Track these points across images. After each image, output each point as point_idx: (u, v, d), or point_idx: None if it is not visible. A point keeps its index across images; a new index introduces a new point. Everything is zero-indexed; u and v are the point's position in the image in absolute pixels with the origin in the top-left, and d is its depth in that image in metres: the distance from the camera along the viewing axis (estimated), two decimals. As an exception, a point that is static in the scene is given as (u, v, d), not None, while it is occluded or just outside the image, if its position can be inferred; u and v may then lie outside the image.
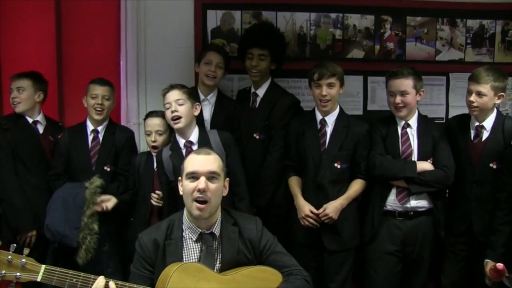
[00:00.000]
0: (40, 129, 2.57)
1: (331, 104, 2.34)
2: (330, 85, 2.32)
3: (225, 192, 1.72)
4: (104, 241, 2.38)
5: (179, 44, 2.79)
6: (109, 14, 2.79)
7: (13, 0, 2.71)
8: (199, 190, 1.61)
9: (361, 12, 2.95)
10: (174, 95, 2.20)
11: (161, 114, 2.40)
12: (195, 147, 2.21)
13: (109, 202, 2.36)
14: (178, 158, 2.13)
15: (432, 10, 2.98)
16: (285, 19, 2.91)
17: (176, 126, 2.21)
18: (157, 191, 2.33)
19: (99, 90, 2.46)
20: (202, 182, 1.61)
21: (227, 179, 1.74)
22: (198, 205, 1.61)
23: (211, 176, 1.64)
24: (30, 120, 2.54)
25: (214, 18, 2.87)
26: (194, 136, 2.24)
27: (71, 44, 2.81)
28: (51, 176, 2.48)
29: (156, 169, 2.39)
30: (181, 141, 2.24)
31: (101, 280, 1.49)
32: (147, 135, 2.42)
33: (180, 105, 2.19)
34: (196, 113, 2.26)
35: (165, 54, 2.82)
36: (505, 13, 3.01)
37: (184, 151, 2.20)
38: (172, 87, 2.24)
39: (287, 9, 2.90)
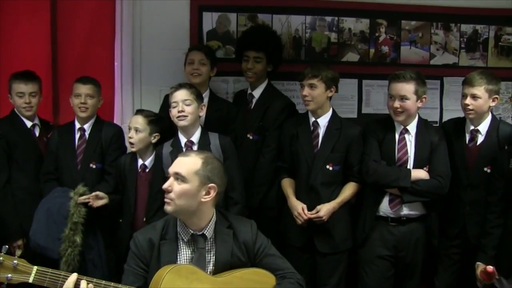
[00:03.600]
0: (37, 132, 2.56)
1: (314, 105, 2.34)
2: (311, 86, 2.32)
3: (206, 198, 1.65)
4: (90, 250, 2.38)
5: (175, 46, 2.78)
6: (104, 15, 2.78)
7: (9, 0, 2.70)
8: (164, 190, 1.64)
9: (356, 16, 2.96)
10: (182, 95, 2.21)
11: (144, 114, 2.41)
12: (195, 147, 2.22)
13: (100, 201, 2.35)
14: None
15: (427, 14, 3.00)
16: (281, 22, 2.92)
17: (180, 124, 2.21)
18: None
19: (82, 89, 2.45)
20: (167, 182, 1.64)
21: (211, 185, 1.66)
22: (166, 200, 1.64)
23: (176, 177, 1.64)
24: (29, 124, 2.53)
25: (209, 20, 2.87)
26: (196, 136, 2.26)
27: (66, 44, 2.79)
28: (42, 175, 2.48)
29: (140, 170, 2.40)
30: (183, 140, 2.25)
31: (72, 276, 1.48)
32: (129, 130, 2.42)
33: (187, 105, 2.20)
34: (201, 113, 2.28)
35: (161, 55, 2.82)
36: (498, 19, 3.04)
37: (184, 149, 2.21)
38: (180, 86, 2.25)
39: (283, 12, 2.91)
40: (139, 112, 2.45)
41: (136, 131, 2.37)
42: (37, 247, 2.30)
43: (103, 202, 2.37)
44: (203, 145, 2.22)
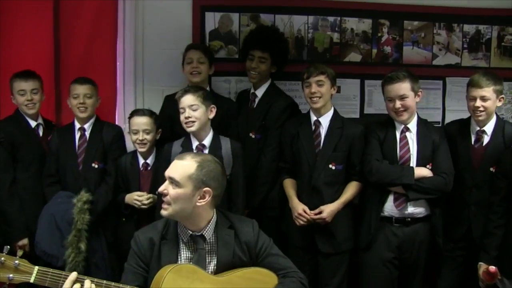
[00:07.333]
0: (40, 131, 2.57)
1: (322, 101, 2.34)
2: (319, 83, 2.32)
3: (201, 202, 1.63)
4: (94, 253, 2.38)
5: (177, 46, 2.78)
6: (107, 15, 2.78)
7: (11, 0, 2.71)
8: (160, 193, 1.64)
9: (358, 16, 2.96)
10: (188, 100, 2.18)
11: (147, 113, 2.41)
12: (206, 151, 2.20)
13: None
14: None
15: (429, 14, 2.99)
16: (283, 22, 2.92)
17: (189, 130, 2.20)
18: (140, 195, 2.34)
19: (80, 90, 2.46)
20: (163, 185, 1.63)
21: (206, 189, 1.64)
22: (163, 204, 1.63)
23: (170, 181, 1.63)
24: (33, 124, 2.53)
25: (212, 20, 2.87)
26: (207, 140, 2.24)
27: (68, 44, 2.80)
28: (44, 178, 2.48)
29: (141, 169, 2.41)
30: (195, 143, 2.23)
31: (72, 275, 1.47)
32: (134, 134, 2.40)
33: (194, 110, 2.17)
34: (211, 115, 2.24)
35: (163, 55, 2.82)
36: (501, 19, 3.04)
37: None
38: (186, 91, 2.21)
39: (285, 12, 2.91)
40: (140, 112, 2.43)
41: (147, 133, 2.37)
42: (43, 254, 2.32)
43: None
44: (214, 149, 2.20)
